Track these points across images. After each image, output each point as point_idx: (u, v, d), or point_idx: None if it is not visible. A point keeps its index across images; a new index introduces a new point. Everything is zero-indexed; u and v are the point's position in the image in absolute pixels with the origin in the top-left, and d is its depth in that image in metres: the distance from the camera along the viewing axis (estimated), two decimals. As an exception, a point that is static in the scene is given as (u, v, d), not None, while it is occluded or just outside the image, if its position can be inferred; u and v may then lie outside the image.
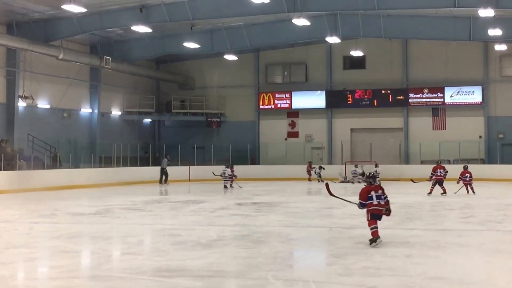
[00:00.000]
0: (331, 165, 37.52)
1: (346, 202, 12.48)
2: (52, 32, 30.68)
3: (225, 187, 29.04)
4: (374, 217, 10.79)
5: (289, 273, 9.14)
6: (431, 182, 23.18)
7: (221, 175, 29.54)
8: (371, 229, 10.75)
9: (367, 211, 10.85)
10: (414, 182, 24.74)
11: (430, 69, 38.50)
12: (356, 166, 33.15)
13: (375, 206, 10.77)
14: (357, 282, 8.40)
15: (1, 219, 16.68)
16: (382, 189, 10.76)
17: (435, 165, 23.87)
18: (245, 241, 11.90)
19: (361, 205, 10.86)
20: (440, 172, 22.87)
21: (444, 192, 22.69)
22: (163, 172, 33.54)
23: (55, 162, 31.44)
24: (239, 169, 35.80)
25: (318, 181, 32.90)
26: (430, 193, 22.72)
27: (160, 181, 33.38)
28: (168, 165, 34.08)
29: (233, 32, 34.99)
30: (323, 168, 34.50)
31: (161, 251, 10.85)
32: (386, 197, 10.78)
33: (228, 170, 29.58)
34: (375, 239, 10.68)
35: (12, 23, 29.84)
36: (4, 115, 30.61)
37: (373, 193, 10.73)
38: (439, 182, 22.86)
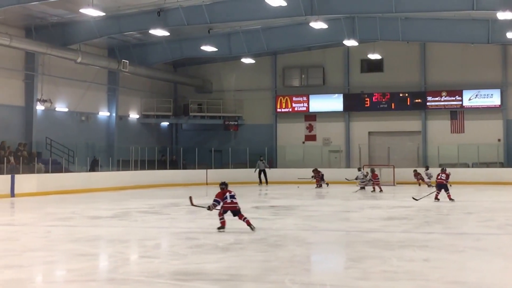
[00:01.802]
0: (349, 169, 37.36)
1: (204, 207, 14.08)
2: (70, 35, 30.88)
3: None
4: (226, 212, 13.47)
5: (306, 277, 9.10)
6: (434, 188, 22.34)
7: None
8: (220, 219, 13.45)
9: (222, 207, 13.44)
10: (416, 200, 23.14)
11: (448, 72, 38.23)
12: (359, 170, 32.58)
13: (229, 204, 13.44)
14: (375, 286, 8.34)
15: (19, 222, 16.81)
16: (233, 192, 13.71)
17: (440, 171, 22.30)
18: (262, 244, 11.87)
19: (216, 202, 13.45)
20: (442, 177, 21.46)
21: (449, 198, 21.24)
22: (263, 173, 35.36)
23: (96, 167, 32.42)
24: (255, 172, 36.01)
25: (321, 186, 32.12)
26: (435, 198, 21.35)
27: (260, 182, 35.03)
28: (266, 166, 35.74)
29: (251, 35, 35.02)
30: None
31: (178, 255, 10.86)
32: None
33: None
34: (222, 227, 13.46)
35: (31, 27, 30.08)
36: (22, 118, 30.84)
37: (227, 194, 13.51)
38: (442, 187, 21.37)
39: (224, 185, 13.88)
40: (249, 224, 13.44)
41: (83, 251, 11.30)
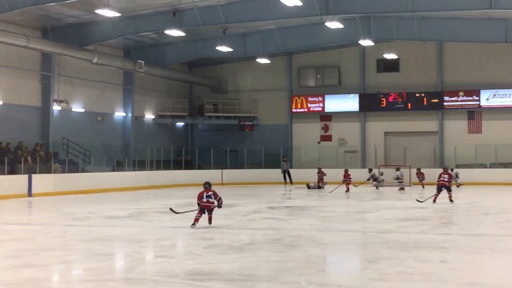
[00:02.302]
0: (364, 169, 37.23)
1: (190, 211, 15.32)
2: (86, 36, 31.03)
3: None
4: (203, 210, 14.31)
5: (321, 277, 9.07)
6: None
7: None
8: (196, 216, 14.26)
9: (199, 205, 14.33)
10: (421, 201, 22.49)
11: (466, 72, 37.98)
12: (370, 171, 32.73)
13: (204, 203, 14.31)
14: (390, 287, 8.29)
15: (36, 221, 16.91)
16: (214, 192, 14.59)
17: (442, 171, 21.79)
18: (277, 245, 11.86)
19: (198, 204, 14.43)
20: (444, 177, 20.78)
21: (450, 199, 20.71)
22: (286, 173, 35.70)
23: (120, 167, 33.06)
24: (272, 172, 35.98)
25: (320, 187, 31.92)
26: (434, 201, 20.72)
27: (285, 182, 35.28)
28: (289, 167, 36.19)
29: (266, 35, 35.01)
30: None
31: (194, 255, 10.87)
32: (220, 198, 14.59)
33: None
34: (194, 223, 14.13)
35: (47, 28, 30.26)
36: (39, 118, 31.03)
37: (204, 194, 14.39)
38: (444, 188, 20.78)
39: (207, 185, 14.79)
40: (210, 220, 14.48)
41: (100, 251, 11.34)
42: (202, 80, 42.29)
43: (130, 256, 10.98)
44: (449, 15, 31.42)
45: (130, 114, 37.05)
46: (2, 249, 11.65)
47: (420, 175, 32.45)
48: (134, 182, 31.50)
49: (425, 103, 38.52)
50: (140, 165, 34.24)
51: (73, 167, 29.98)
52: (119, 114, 36.70)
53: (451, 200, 20.72)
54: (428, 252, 10.91)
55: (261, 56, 37.89)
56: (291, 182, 35.45)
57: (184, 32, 30.87)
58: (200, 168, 37.75)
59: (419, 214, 17.67)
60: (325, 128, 40.95)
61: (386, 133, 39.80)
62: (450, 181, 21.38)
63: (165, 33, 31.13)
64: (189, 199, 24.21)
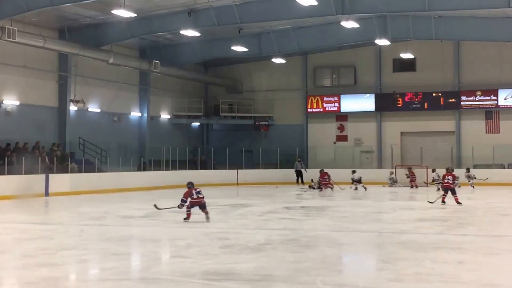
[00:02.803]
0: (381, 169, 37.10)
1: (173, 208, 16.29)
2: (102, 37, 31.13)
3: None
4: (193, 206, 15.42)
5: (337, 278, 9.02)
6: (441, 191, 21.46)
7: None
8: (187, 211, 15.41)
9: (190, 202, 15.33)
10: (431, 202, 20.96)
11: (483, 71, 37.69)
12: (391, 173, 33.97)
13: (195, 199, 15.33)
14: (408, 288, 8.25)
15: (53, 221, 17.00)
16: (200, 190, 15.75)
17: (445, 172, 21.12)
18: (293, 245, 11.83)
19: (183, 201, 15.37)
20: (448, 179, 20.36)
21: (456, 201, 20.06)
22: (299, 174, 35.96)
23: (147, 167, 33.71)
24: (286, 172, 35.96)
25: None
26: (442, 201, 20.40)
27: (297, 182, 35.49)
28: (302, 167, 36.29)
29: (281, 35, 34.93)
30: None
31: (209, 255, 10.86)
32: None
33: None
34: (187, 218, 15.39)
35: (64, 29, 30.41)
36: (56, 119, 31.19)
37: (193, 191, 15.39)
38: (450, 190, 20.32)
39: (190, 185, 15.84)
40: (207, 216, 15.43)
41: (116, 250, 11.37)
42: (217, 80, 42.33)
43: (146, 256, 11.01)
44: (466, 14, 31.17)
45: (145, 114, 37.15)
46: (19, 248, 11.72)
47: (411, 174, 32.53)
48: (150, 182, 31.57)
49: (442, 103, 38.27)
50: (155, 165, 34.32)
51: (90, 167, 30.10)
52: (135, 114, 36.81)
53: (458, 202, 20.01)
54: (446, 253, 10.83)
55: (277, 56, 37.83)
56: (302, 182, 35.49)
57: (200, 32, 30.90)
58: (215, 168, 37.76)
59: (436, 215, 17.56)
60: (341, 128, 40.83)
61: (402, 133, 39.60)
62: (454, 183, 20.62)
63: (180, 33, 31.17)
64: (205, 199, 24.23)
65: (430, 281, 8.58)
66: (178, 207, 15.58)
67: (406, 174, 33.56)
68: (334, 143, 40.70)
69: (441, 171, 31.62)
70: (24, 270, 9.54)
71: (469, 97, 37.89)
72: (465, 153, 37.43)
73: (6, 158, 25.47)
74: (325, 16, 29.96)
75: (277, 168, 37.69)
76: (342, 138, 40.75)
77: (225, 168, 36.74)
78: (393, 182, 33.26)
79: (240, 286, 8.30)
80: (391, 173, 34.11)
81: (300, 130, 41.30)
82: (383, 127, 39.93)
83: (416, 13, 30.97)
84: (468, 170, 31.72)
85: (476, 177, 30.98)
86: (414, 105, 38.69)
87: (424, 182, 32.42)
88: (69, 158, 29.04)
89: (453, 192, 20.22)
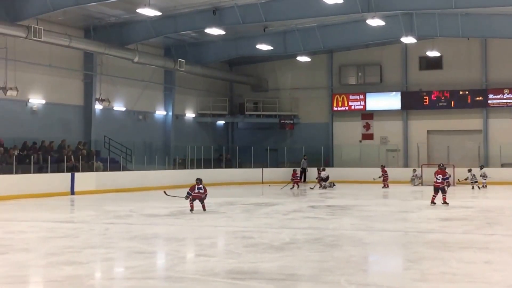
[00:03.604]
0: (407, 168, 36.79)
1: (178, 197, 19.05)
2: (127, 35, 31.31)
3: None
4: (194, 200, 17.95)
5: (362, 277, 8.94)
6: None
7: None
8: (190, 204, 17.92)
9: (192, 196, 17.91)
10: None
11: (511, 69, 37.18)
12: (414, 171, 34.29)
13: (196, 194, 17.92)
14: (434, 289, 8.14)
15: (79, 219, 17.11)
16: (204, 186, 18.15)
17: (437, 169, 20.43)
18: (317, 244, 11.76)
19: (188, 194, 17.90)
20: (437, 178, 19.56)
21: (443, 201, 19.51)
22: (303, 171, 36.23)
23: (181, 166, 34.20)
24: (311, 171, 35.85)
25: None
26: (431, 202, 19.88)
27: (301, 180, 35.17)
28: (309, 165, 36.45)
29: (306, 33, 34.82)
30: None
31: (234, 253, 10.84)
32: (206, 192, 18.26)
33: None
34: (191, 209, 17.88)
35: (89, 28, 30.61)
36: (82, 117, 31.42)
37: (196, 187, 17.92)
38: (439, 189, 19.65)
39: (198, 180, 18.26)
40: (204, 208, 18.15)
41: (140, 249, 11.40)
42: (242, 78, 42.32)
43: (171, 255, 11.03)
44: (493, 11, 30.83)
45: (170, 113, 37.27)
46: (45, 247, 11.81)
47: (383, 172, 32.45)
48: (175, 180, 31.62)
49: (469, 101, 37.85)
50: (180, 163, 34.40)
51: (115, 166, 30.28)
52: (160, 112, 36.95)
53: (445, 202, 19.45)
54: (472, 252, 10.70)
55: (302, 54, 37.71)
56: (304, 181, 35.64)
57: (224, 31, 30.91)
58: (240, 166, 37.80)
59: (462, 214, 17.37)
60: (367, 127, 40.59)
61: (429, 132, 39.24)
62: (445, 181, 19.73)
63: (205, 32, 31.20)
64: (229, 198, 24.30)
65: (456, 281, 8.48)
66: (185, 198, 18.00)
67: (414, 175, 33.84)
68: (360, 141, 40.47)
69: (465, 170, 31.69)
70: (49, 268, 9.61)
71: (496, 95, 37.41)
72: (492, 151, 37.01)
73: (32, 157, 25.70)
74: (351, 14, 29.81)
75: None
76: (367, 136, 40.52)
77: (250, 167, 36.74)
78: (417, 178, 33.36)
79: (264, 285, 8.26)
80: (414, 170, 34.20)
81: (326, 129, 41.14)
82: (409, 125, 39.60)
83: (442, 11, 30.65)
84: (481, 167, 31.44)
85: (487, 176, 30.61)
86: (440, 103, 38.32)
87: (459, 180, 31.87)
88: (95, 157, 29.23)
89: (443, 191, 19.59)
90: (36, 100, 28.88)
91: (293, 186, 31.20)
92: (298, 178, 32.59)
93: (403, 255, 11.03)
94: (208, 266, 9.55)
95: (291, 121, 41.38)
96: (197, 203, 18.00)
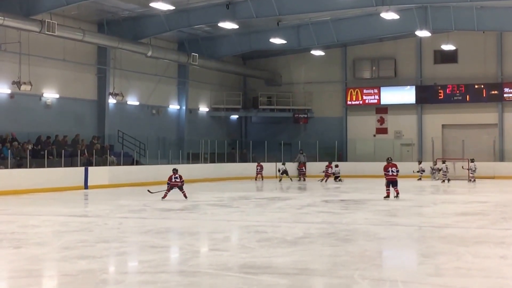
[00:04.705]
0: (422, 163, 36.59)
1: (161, 192, 20.27)
2: (141, 30, 31.31)
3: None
4: (172, 188, 19.96)
5: (376, 272, 8.88)
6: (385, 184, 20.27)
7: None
8: (165, 193, 20.00)
9: (171, 184, 19.90)
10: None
11: (527, 62, 36.92)
12: (420, 163, 34.88)
13: (173, 182, 19.91)
14: (448, 283, 8.07)
15: (92, 214, 17.15)
16: (180, 175, 20.23)
17: (385, 163, 20.44)
18: (331, 239, 11.71)
19: (167, 184, 19.98)
20: (392, 171, 19.66)
21: (397, 194, 19.80)
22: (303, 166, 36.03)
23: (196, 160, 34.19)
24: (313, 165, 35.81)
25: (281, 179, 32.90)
26: (387, 196, 19.93)
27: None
28: (305, 160, 36.28)
29: (320, 27, 34.68)
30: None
31: (247, 248, 10.81)
32: (183, 180, 20.34)
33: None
34: (164, 196, 19.91)
35: (103, 22, 30.63)
36: (95, 112, 31.50)
37: (173, 176, 19.88)
38: (392, 182, 19.81)
39: (175, 170, 20.25)
40: (185, 195, 20.05)
41: (154, 243, 11.40)
42: (256, 72, 42.24)
43: (184, 249, 11.00)
44: (509, 4, 30.54)
45: (184, 107, 37.29)
46: (59, 241, 11.84)
47: (300, 167, 33.45)
48: (188, 175, 31.46)
49: (484, 95, 37.60)
50: (194, 158, 34.42)
51: (128, 160, 30.34)
52: (174, 107, 36.98)
53: (397, 195, 19.64)
54: (488, 247, 10.61)
55: (316, 48, 37.58)
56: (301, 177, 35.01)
57: (238, 25, 30.86)
58: (254, 161, 37.74)
59: (478, 209, 17.25)
60: (381, 121, 40.42)
61: (443, 126, 39.02)
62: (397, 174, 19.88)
63: (218, 26, 31.17)
64: (243, 192, 24.29)
65: (471, 276, 8.40)
66: (167, 188, 20.02)
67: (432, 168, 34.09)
68: (374, 136, 40.32)
69: (480, 164, 31.63)
70: (63, 262, 9.62)
71: (512, 89, 37.13)
72: (508, 146, 36.78)
73: (46, 151, 25.79)
74: (365, 8, 29.66)
75: (316, 161, 37.42)
76: (382, 130, 40.35)
77: (264, 161, 36.69)
78: (438, 171, 33.60)
79: (277, 280, 8.22)
80: (420, 162, 34.85)
81: (340, 123, 41.00)
82: (424, 119, 39.39)
83: (457, 4, 30.47)
84: (471, 161, 31.36)
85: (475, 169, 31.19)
86: (455, 97, 38.08)
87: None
88: (108, 151, 29.31)
89: (394, 184, 19.71)
90: (50, 95, 28.98)
91: (300, 178, 33.58)
92: (304, 171, 34.44)
93: (418, 249, 10.95)
94: (221, 261, 9.52)
95: (305, 115, 41.27)
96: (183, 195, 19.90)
